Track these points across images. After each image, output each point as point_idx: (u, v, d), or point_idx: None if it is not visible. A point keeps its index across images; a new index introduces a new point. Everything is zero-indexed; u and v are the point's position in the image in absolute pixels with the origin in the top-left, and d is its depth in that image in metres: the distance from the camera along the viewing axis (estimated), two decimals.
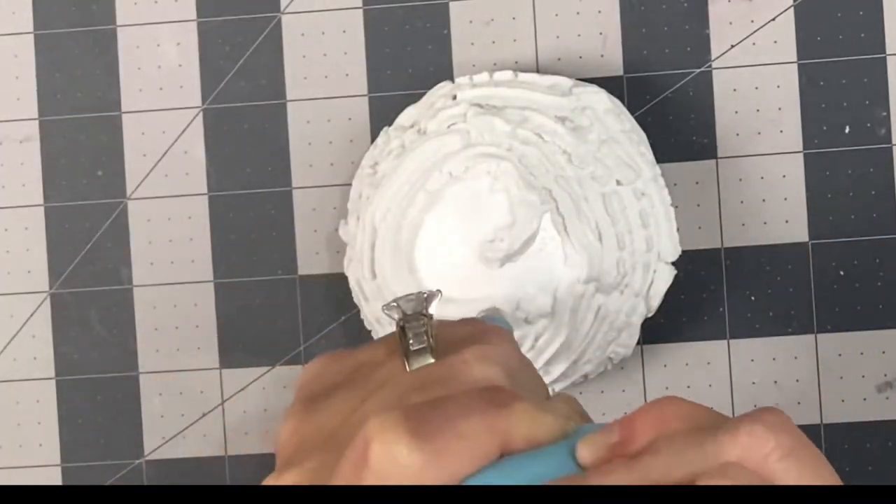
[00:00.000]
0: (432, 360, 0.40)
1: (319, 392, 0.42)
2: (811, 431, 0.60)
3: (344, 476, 0.36)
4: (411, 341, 0.41)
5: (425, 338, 0.41)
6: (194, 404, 0.63)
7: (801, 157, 0.60)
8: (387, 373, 0.41)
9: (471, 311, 0.55)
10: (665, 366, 0.61)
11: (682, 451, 0.34)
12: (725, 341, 0.60)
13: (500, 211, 0.56)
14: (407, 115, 0.60)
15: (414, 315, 0.42)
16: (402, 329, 0.41)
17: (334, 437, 0.39)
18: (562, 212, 0.56)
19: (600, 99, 0.58)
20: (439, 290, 0.44)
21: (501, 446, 0.36)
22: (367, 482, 0.35)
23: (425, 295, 0.43)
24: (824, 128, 0.60)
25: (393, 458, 0.35)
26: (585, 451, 0.35)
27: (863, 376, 0.60)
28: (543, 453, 0.35)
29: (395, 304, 0.42)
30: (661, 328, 0.60)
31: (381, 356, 0.42)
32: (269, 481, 0.39)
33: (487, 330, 0.42)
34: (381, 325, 0.59)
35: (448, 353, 0.40)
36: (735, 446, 0.34)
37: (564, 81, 0.58)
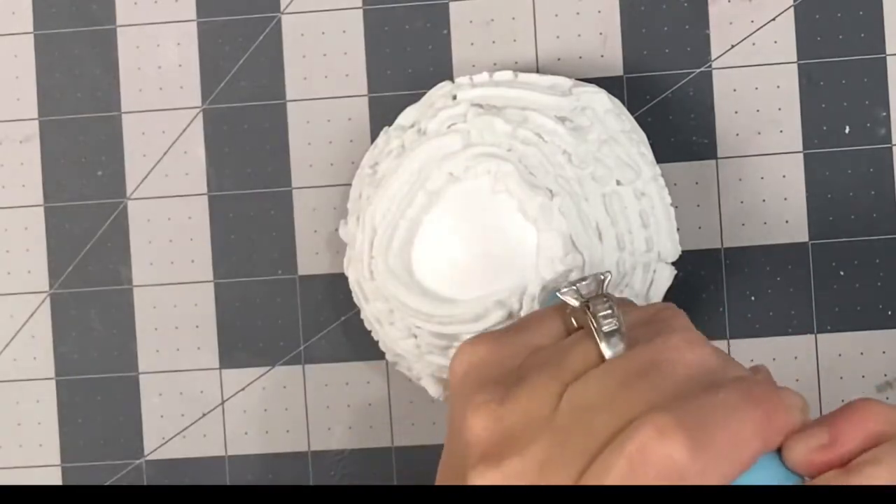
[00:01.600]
0: (623, 345, 0.40)
1: (500, 378, 0.41)
2: None
3: (620, 473, 0.35)
4: (604, 323, 0.41)
5: (613, 319, 0.41)
6: (194, 404, 0.63)
7: (801, 157, 0.60)
8: (581, 356, 0.40)
9: (470, 311, 0.55)
10: None
11: None
12: (725, 341, 0.60)
13: (509, 211, 0.56)
14: (407, 115, 0.59)
15: (597, 296, 0.42)
16: (587, 310, 0.41)
17: (551, 425, 0.38)
18: (562, 212, 0.56)
19: (600, 99, 0.58)
20: (609, 272, 0.44)
21: (766, 446, 0.36)
22: (649, 481, 0.35)
23: (602, 276, 0.43)
24: (824, 128, 0.60)
25: (673, 463, 0.35)
26: (796, 453, 0.35)
27: (863, 376, 0.60)
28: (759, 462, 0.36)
29: (575, 287, 0.42)
30: None
31: (555, 336, 0.42)
32: (476, 479, 0.37)
33: (662, 309, 0.42)
34: (380, 324, 0.58)
35: (637, 336, 0.40)
36: None
37: (564, 81, 0.58)
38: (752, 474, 0.34)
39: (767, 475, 0.35)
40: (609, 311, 0.41)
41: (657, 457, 0.35)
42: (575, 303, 0.43)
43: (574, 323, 0.44)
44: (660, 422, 0.36)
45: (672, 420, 0.35)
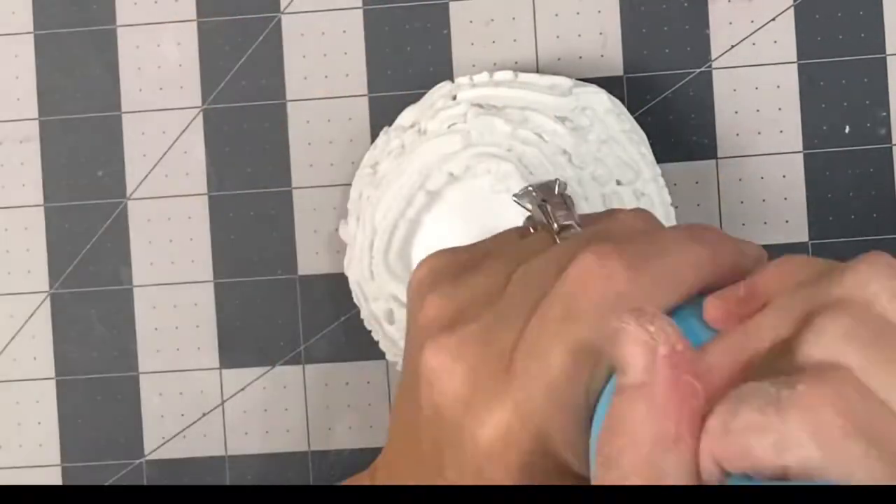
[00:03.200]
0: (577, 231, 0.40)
1: (458, 271, 0.40)
2: None
3: (562, 305, 0.35)
4: (557, 216, 0.40)
5: (567, 212, 0.41)
6: (194, 404, 0.63)
7: (801, 157, 0.60)
8: (536, 242, 0.40)
9: None
10: None
11: (794, 298, 0.32)
12: None
13: (509, 211, 0.56)
14: (407, 115, 0.59)
15: (555, 195, 0.41)
16: (544, 208, 0.41)
17: (501, 293, 0.38)
18: None
19: (600, 99, 0.58)
20: (559, 179, 0.44)
21: (706, 282, 0.35)
22: (585, 311, 0.34)
23: (556, 179, 0.43)
24: (824, 128, 0.60)
25: (610, 289, 0.34)
26: (713, 308, 0.34)
27: None
28: (680, 312, 0.34)
29: (530, 188, 0.42)
30: None
31: (513, 238, 0.42)
32: (432, 346, 0.37)
33: (620, 209, 0.42)
34: (380, 324, 0.59)
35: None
36: (850, 281, 0.31)
37: (564, 81, 0.58)
38: (678, 321, 0.33)
39: (687, 325, 0.34)
40: (564, 208, 0.41)
41: (595, 279, 0.34)
42: (529, 206, 0.42)
43: (531, 231, 0.43)
44: (600, 249, 0.35)
45: (611, 246, 0.35)
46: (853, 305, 0.30)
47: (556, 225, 0.40)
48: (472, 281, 0.39)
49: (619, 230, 0.39)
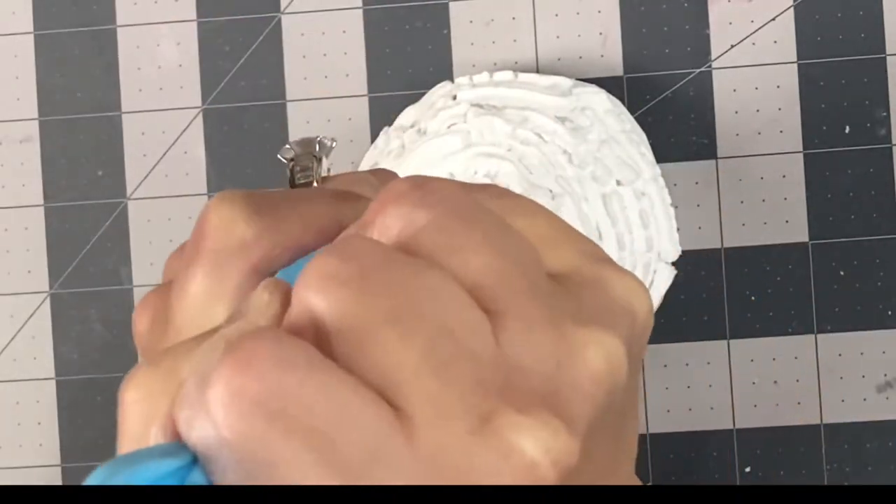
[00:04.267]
0: None
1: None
2: (811, 431, 0.60)
3: (185, 258, 0.33)
4: (298, 177, 0.39)
5: (311, 175, 0.39)
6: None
7: (801, 157, 0.60)
8: (213, 198, 0.38)
9: None
10: (665, 366, 0.61)
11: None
12: (725, 341, 0.60)
13: None
14: (407, 115, 0.59)
15: (304, 155, 0.40)
16: (291, 168, 0.40)
17: None
18: (563, 212, 0.56)
19: (600, 99, 0.58)
20: (334, 140, 0.43)
21: (340, 226, 0.33)
22: (203, 260, 0.33)
23: (319, 138, 0.41)
24: (824, 128, 0.60)
25: (229, 229, 0.33)
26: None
27: (863, 376, 0.60)
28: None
29: (288, 145, 0.41)
30: (661, 328, 0.60)
31: None
32: (145, 296, 0.35)
33: (377, 170, 0.41)
34: None
35: None
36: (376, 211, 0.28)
37: (564, 81, 0.58)
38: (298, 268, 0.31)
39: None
40: (309, 167, 0.39)
41: (213, 224, 0.33)
42: (287, 159, 0.41)
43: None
44: (224, 193, 0.33)
45: (238, 193, 0.34)
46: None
47: (293, 185, 0.39)
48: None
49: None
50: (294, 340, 0.24)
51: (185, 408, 0.25)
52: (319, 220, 0.33)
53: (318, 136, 0.41)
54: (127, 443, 0.28)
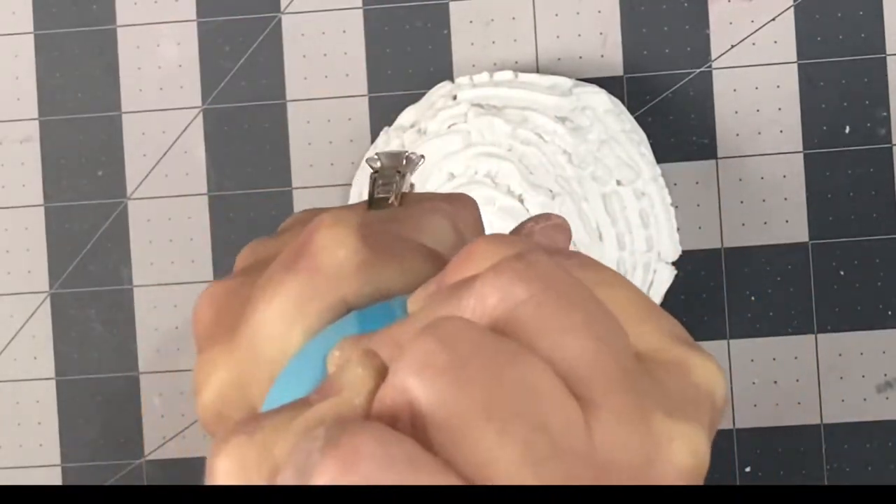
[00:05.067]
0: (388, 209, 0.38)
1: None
2: (811, 431, 0.60)
3: (279, 264, 0.33)
4: (378, 190, 0.38)
5: (392, 189, 0.39)
6: (194, 404, 0.63)
7: (801, 157, 0.60)
8: (327, 215, 0.37)
9: None
10: None
11: (424, 310, 0.29)
12: (725, 341, 0.60)
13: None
14: (407, 115, 0.60)
15: (389, 168, 0.40)
16: (373, 179, 0.39)
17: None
18: (563, 211, 0.56)
19: (600, 99, 0.58)
20: (423, 156, 0.42)
21: (438, 282, 0.32)
22: (301, 273, 0.33)
23: (406, 153, 0.41)
24: (824, 128, 0.60)
25: (335, 253, 0.33)
26: (410, 302, 0.32)
27: (863, 376, 0.60)
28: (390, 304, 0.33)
29: (376, 155, 0.40)
30: None
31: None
32: (210, 287, 0.35)
33: (453, 194, 0.40)
34: None
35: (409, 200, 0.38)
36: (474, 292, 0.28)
37: (564, 81, 0.58)
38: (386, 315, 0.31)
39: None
40: (392, 181, 0.39)
41: (324, 239, 0.33)
42: (370, 166, 0.41)
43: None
44: (339, 215, 0.33)
45: (352, 218, 0.33)
46: (445, 326, 0.26)
47: (372, 198, 0.39)
48: (270, 246, 0.37)
49: (409, 215, 0.37)
50: (396, 437, 0.24)
51: None
52: (413, 275, 0.33)
53: (406, 151, 0.41)
54: None
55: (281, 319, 0.33)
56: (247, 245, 0.37)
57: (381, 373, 0.27)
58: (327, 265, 0.33)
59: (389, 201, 0.38)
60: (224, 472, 0.28)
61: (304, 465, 0.25)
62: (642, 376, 0.27)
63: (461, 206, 0.38)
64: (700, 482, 0.27)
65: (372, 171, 0.40)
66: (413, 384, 0.25)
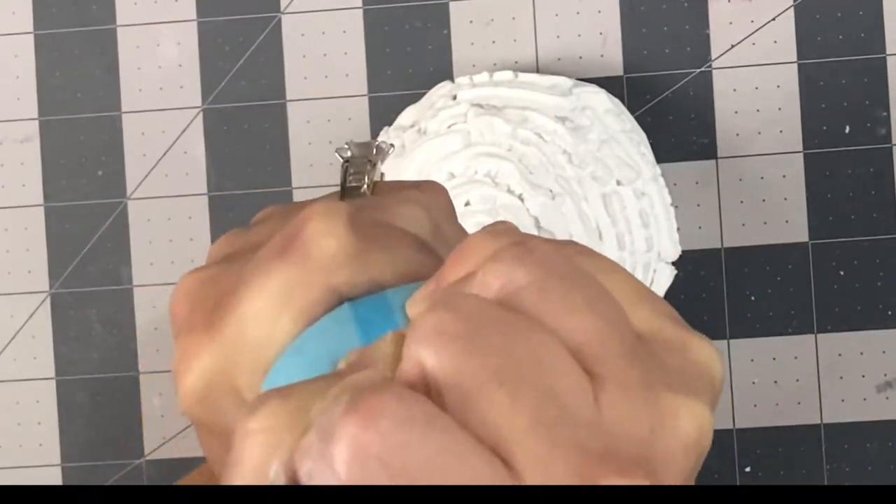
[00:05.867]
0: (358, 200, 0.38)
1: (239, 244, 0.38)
2: (811, 431, 0.60)
3: (270, 250, 0.33)
4: (350, 179, 0.39)
5: (364, 178, 0.39)
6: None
7: (801, 157, 0.60)
8: (317, 205, 0.37)
9: None
10: None
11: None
12: (725, 341, 0.60)
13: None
14: (407, 115, 0.60)
15: (360, 158, 0.40)
16: (345, 168, 0.40)
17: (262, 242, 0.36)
18: (563, 211, 0.56)
19: (600, 99, 0.58)
20: (392, 145, 0.43)
21: (416, 275, 0.33)
22: (292, 259, 0.33)
23: (376, 143, 0.41)
24: (824, 128, 0.60)
25: (326, 241, 0.33)
26: (409, 304, 0.32)
27: (863, 376, 0.60)
28: (395, 293, 0.33)
29: (346, 145, 0.41)
30: None
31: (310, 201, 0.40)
32: (186, 276, 0.35)
33: (422, 182, 0.40)
34: None
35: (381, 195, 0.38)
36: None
37: (564, 81, 0.58)
38: (381, 313, 0.32)
39: (388, 319, 0.32)
40: (363, 170, 0.39)
41: (315, 226, 0.33)
42: (339, 156, 0.41)
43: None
44: (330, 204, 0.34)
45: (344, 208, 0.34)
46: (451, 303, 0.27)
47: (344, 187, 0.39)
48: (248, 235, 0.37)
49: (388, 204, 0.37)
50: (415, 397, 0.25)
51: (308, 459, 0.26)
52: (404, 265, 0.34)
53: (377, 141, 0.41)
54: (244, 472, 0.28)
55: (270, 305, 0.33)
56: (221, 236, 0.37)
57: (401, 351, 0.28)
58: (318, 254, 0.33)
59: (361, 190, 0.39)
60: (255, 430, 0.28)
61: (328, 425, 0.25)
62: (645, 353, 0.27)
63: (432, 193, 0.38)
64: (703, 456, 0.27)
65: (342, 160, 0.40)
66: (427, 352, 0.26)
